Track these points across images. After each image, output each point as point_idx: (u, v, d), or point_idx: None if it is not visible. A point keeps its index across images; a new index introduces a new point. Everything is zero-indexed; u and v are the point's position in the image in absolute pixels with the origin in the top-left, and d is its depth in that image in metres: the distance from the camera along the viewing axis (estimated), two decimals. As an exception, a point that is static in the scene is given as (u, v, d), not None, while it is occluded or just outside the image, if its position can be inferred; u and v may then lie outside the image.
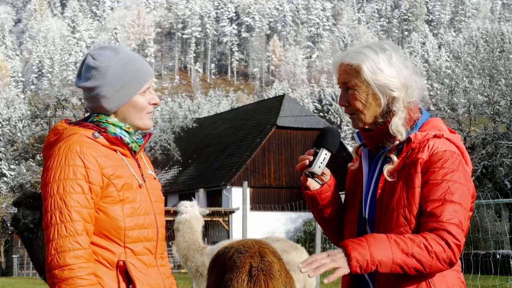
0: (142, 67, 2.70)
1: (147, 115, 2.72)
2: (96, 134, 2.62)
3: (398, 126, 2.52)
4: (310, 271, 2.27)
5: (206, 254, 8.25)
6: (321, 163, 2.56)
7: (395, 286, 2.45)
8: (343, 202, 2.75)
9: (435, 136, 2.51)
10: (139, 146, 2.73)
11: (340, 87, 2.63)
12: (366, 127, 2.59)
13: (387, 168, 2.51)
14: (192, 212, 8.45)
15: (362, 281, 2.59)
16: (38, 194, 5.33)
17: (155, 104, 2.74)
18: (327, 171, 2.64)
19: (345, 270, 2.29)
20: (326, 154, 2.56)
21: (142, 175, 2.70)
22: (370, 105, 2.55)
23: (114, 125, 2.66)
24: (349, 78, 2.55)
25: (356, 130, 2.68)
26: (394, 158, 2.51)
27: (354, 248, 2.31)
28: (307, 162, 2.57)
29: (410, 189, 2.45)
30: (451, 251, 2.36)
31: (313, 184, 2.65)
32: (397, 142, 2.54)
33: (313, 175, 2.60)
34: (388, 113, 2.55)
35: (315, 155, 2.56)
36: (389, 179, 2.50)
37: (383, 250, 2.31)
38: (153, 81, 2.78)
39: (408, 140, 2.51)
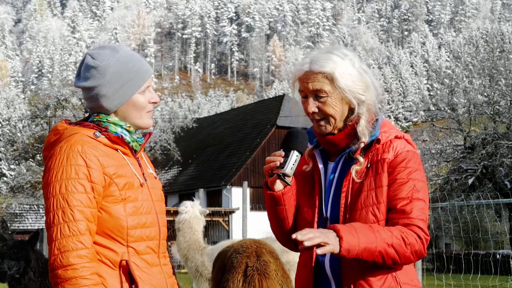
0: (141, 66, 2.70)
1: (147, 114, 2.72)
2: (97, 133, 2.61)
3: (364, 128, 2.60)
4: (305, 240, 2.30)
5: (206, 254, 8.28)
6: (293, 164, 2.59)
7: (363, 279, 2.51)
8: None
9: (396, 137, 2.62)
10: (140, 145, 2.72)
11: (304, 95, 2.65)
12: (335, 131, 2.65)
13: (355, 168, 2.58)
14: (192, 212, 8.46)
15: (324, 279, 2.61)
16: (21, 243, 5.43)
17: (155, 103, 2.74)
18: None
19: (335, 248, 2.34)
20: (297, 155, 2.60)
21: (143, 174, 2.70)
22: (341, 110, 2.62)
23: (114, 124, 2.66)
24: (321, 85, 2.59)
25: (308, 131, 2.73)
26: (361, 159, 2.59)
27: (345, 231, 2.37)
28: (278, 163, 2.59)
29: (378, 188, 2.55)
30: (422, 244, 2.50)
31: (277, 185, 2.67)
32: (362, 144, 2.60)
33: (284, 176, 2.62)
34: (353, 116, 2.62)
35: (286, 156, 2.59)
36: (357, 180, 2.57)
37: (369, 238, 2.40)
38: (152, 80, 2.78)
39: (377, 140, 2.59)
